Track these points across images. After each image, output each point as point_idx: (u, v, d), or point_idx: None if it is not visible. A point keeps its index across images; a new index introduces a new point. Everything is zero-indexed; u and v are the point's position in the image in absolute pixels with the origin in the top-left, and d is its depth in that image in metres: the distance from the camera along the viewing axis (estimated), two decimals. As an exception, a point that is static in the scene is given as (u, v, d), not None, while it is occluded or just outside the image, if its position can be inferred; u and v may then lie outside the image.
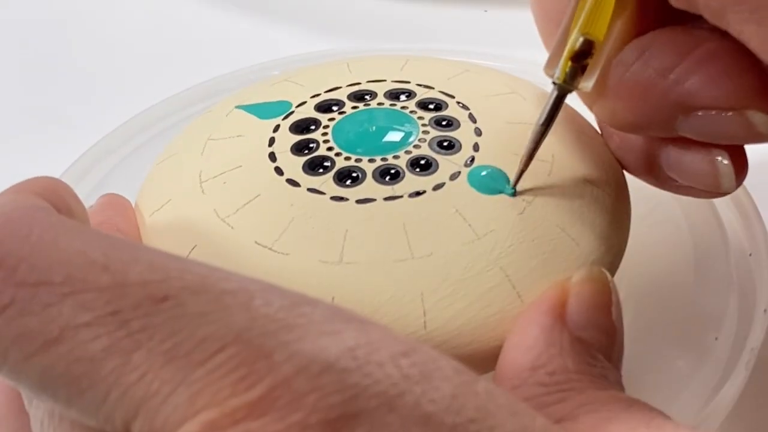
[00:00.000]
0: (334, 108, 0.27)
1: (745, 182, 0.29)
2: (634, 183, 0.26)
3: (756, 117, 0.22)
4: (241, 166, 0.25)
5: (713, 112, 0.22)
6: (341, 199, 0.24)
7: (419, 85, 0.27)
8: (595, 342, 0.21)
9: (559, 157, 0.25)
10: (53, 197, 0.20)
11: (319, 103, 0.27)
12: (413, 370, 0.15)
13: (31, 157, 0.38)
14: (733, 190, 0.24)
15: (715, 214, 0.30)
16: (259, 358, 0.14)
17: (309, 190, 0.24)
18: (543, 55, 0.24)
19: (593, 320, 0.21)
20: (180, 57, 0.44)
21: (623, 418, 0.19)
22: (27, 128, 0.40)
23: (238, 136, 0.27)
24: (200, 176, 0.25)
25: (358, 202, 0.23)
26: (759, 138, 0.22)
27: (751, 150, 0.24)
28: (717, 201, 0.30)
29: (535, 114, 0.24)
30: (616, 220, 0.24)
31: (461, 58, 0.31)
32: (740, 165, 0.23)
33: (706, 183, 0.24)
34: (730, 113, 0.22)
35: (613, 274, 0.24)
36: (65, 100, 0.41)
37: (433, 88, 0.27)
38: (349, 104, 0.27)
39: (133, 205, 0.26)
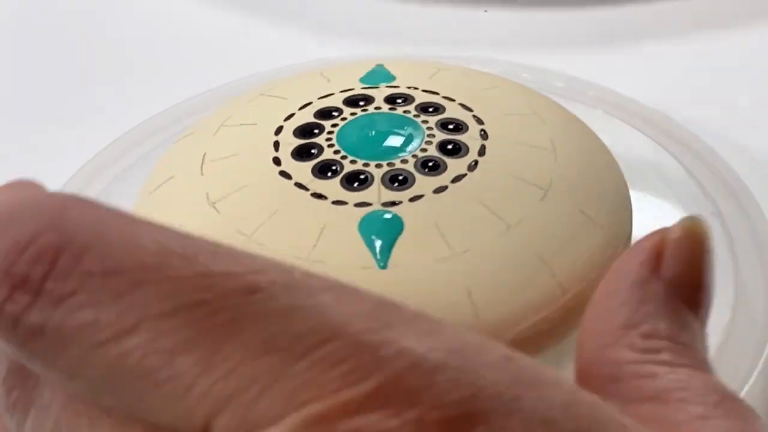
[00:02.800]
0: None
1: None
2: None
3: None
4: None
5: None
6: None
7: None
8: (689, 300, 0.20)
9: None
10: None
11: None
12: (522, 374, 0.14)
13: (35, 157, 0.37)
14: None
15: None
16: (365, 352, 0.14)
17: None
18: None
19: (690, 277, 0.20)
20: (190, 62, 0.43)
21: (718, 424, 0.17)
22: (30, 133, 0.40)
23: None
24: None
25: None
26: None
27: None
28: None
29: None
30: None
31: (460, 63, 0.31)
32: None
33: None
34: None
35: None
36: (67, 105, 0.41)
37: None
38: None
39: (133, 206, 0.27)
